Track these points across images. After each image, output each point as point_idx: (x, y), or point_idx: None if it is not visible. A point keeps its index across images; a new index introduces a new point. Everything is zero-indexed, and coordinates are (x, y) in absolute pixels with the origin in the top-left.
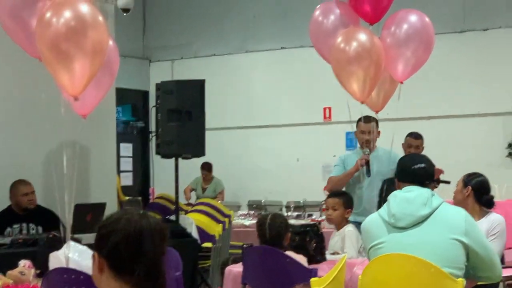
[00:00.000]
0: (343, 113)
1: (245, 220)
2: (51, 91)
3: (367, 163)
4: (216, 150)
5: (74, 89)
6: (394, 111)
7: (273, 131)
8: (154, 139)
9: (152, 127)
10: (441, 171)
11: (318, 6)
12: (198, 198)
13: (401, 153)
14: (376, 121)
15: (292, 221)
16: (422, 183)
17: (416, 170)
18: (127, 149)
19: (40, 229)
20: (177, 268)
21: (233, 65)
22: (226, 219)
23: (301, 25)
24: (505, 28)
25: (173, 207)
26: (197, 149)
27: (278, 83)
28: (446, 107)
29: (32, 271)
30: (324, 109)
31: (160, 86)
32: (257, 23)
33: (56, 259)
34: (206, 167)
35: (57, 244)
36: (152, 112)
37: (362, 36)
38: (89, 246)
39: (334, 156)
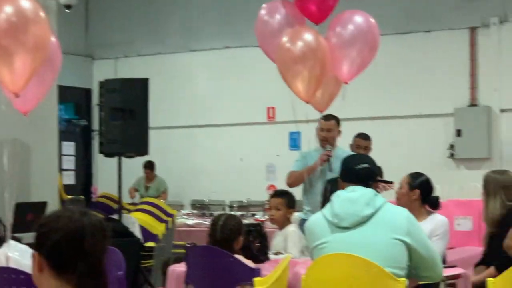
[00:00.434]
0: (287, 113)
1: (188, 220)
2: None
3: (329, 158)
4: (160, 149)
5: (15, 85)
6: (338, 111)
7: (217, 131)
8: (97, 137)
9: (95, 125)
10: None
11: (263, 5)
12: (141, 197)
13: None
14: (337, 120)
15: None
16: (366, 183)
17: (359, 170)
18: (69, 147)
19: None
20: (119, 267)
21: (177, 64)
22: (169, 219)
23: (245, 24)
24: (447, 30)
25: (116, 206)
26: (141, 148)
27: (222, 82)
28: (389, 108)
29: None
30: (268, 109)
31: (103, 84)
32: (201, 22)
33: None
34: (149, 166)
35: None
36: (95, 111)
37: (308, 36)
38: (30, 245)
39: (278, 156)
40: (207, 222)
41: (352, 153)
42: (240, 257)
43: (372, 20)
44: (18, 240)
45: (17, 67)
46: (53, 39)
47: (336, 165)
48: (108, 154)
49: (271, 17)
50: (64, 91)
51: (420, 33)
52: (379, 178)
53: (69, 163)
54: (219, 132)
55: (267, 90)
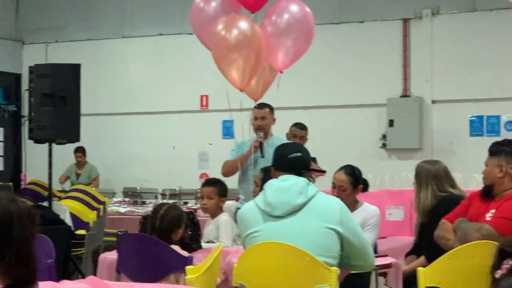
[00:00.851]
0: (221, 101)
1: (120, 207)
2: None
3: (261, 145)
4: (91, 136)
5: None
6: (272, 100)
7: (150, 118)
8: (27, 123)
9: (25, 111)
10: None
11: None
12: (72, 184)
13: None
14: (271, 108)
15: None
16: (298, 172)
17: (292, 159)
18: None
19: None
20: (49, 255)
21: (110, 50)
22: (101, 206)
23: (180, 11)
24: (381, 21)
25: (46, 193)
26: (72, 134)
27: (155, 70)
28: (322, 97)
29: None
30: (201, 97)
31: (33, 70)
32: (135, 8)
33: None
34: (81, 150)
35: None
36: (25, 96)
37: (243, 24)
38: None
39: (211, 144)
40: (139, 210)
41: (287, 141)
42: (176, 247)
43: (307, 9)
44: None
45: None
46: None
47: (270, 153)
48: (38, 141)
49: (206, 5)
50: None
51: (354, 23)
52: (312, 167)
53: None
54: (152, 119)
55: (201, 78)
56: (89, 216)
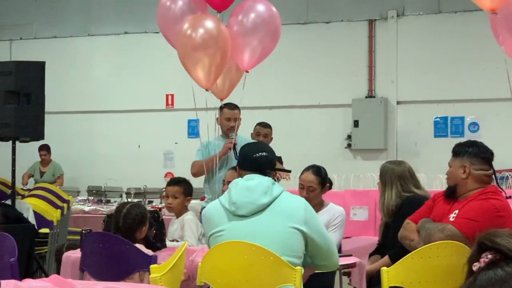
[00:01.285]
0: (186, 100)
1: (84, 206)
2: None
3: (235, 146)
4: (56, 134)
5: None
6: (238, 99)
7: (115, 117)
8: None
9: None
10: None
11: None
12: (36, 182)
13: None
14: (239, 109)
15: None
16: (263, 172)
17: (257, 158)
18: None
19: None
20: (11, 253)
21: (75, 48)
22: (65, 205)
23: (145, 10)
24: (347, 22)
25: (9, 191)
26: (36, 132)
27: (121, 68)
28: (288, 97)
29: None
30: (167, 96)
31: None
32: (101, 7)
33: None
34: (45, 148)
35: None
36: None
37: (209, 23)
38: None
39: (176, 143)
40: (103, 208)
41: (252, 140)
42: (140, 246)
43: (274, 9)
44: None
45: None
46: None
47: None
48: (1, 138)
49: (173, 3)
50: None
51: (320, 23)
52: (277, 167)
53: None
54: (117, 118)
55: (167, 77)
56: (53, 215)
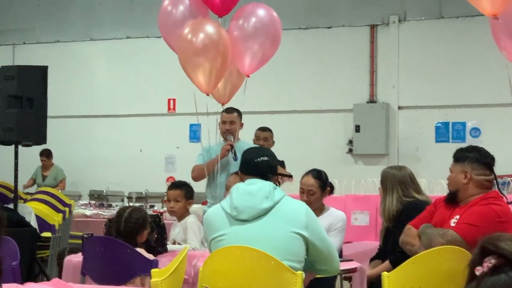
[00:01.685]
0: (188, 105)
1: (86, 210)
2: None
3: (232, 147)
4: (58, 138)
5: None
6: (239, 104)
7: (117, 121)
8: None
9: None
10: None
11: None
12: (38, 186)
13: None
14: (239, 112)
15: None
16: (265, 176)
17: (258, 163)
18: None
19: None
20: (14, 257)
21: (77, 52)
22: (67, 209)
23: (147, 15)
24: (348, 27)
25: (11, 195)
26: (38, 137)
27: (123, 73)
28: (289, 102)
29: None
30: (169, 100)
31: (0, 71)
32: (103, 11)
33: None
34: (45, 153)
35: None
36: None
37: (209, 28)
38: None
39: (178, 148)
40: (105, 213)
41: (253, 145)
42: (141, 250)
43: (274, 14)
44: None
45: None
46: None
47: (238, 158)
48: (4, 142)
49: (174, 8)
50: None
51: (322, 28)
52: (279, 171)
53: None
54: (119, 122)
55: (168, 82)
56: (55, 219)
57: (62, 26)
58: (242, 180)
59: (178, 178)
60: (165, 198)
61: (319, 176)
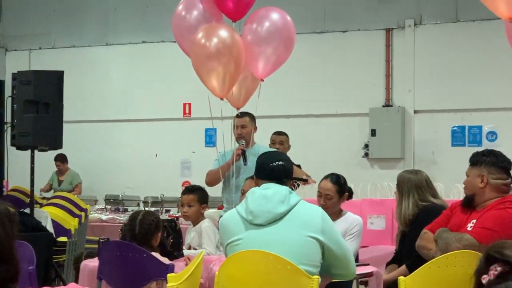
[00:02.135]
0: (203, 109)
1: (102, 215)
2: None
3: (244, 152)
4: (74, 143)
5: None
6: (254, 108)
7: (132, 126)
8: (9, 130)
9: (8, 118)
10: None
11: (181, 1)
12: (54, 191)
13: None
14: (251, 116)
15: None
16: (280, 181)
17: (274, 167)
18: None
19: None
20: (30, 262)
21: (93, 57)
22: (83, 213)
23: (162, 19)
24: (363, 31)
25: (27, 200)
26: (54, 141)
27: (138, 77)
28: (305, 106)
29: None
30: (184, 105)
31: (16, 76)
32: (118, 16)
33: None
34: (59, 158)
35: None
36: (8, 103)
37: (223, 33)
38: None
39: (194, 152)
40: (121, 217)
41: (269, 149)
42: (156, 254)
43: (288, 18)
44: None
45: None
46: None
47: (253, 162)
48: (20, 147)
49: (188, 13)
50: None
51: (337, 32)
52: (295, 176)
53: None
54: (135, 127)
55: (184, 86)
56: (71, 223)
57: (78, 31)
58: (258, 184)
59: (193, 182)
60: (180, 203)
61: (338, 181)
